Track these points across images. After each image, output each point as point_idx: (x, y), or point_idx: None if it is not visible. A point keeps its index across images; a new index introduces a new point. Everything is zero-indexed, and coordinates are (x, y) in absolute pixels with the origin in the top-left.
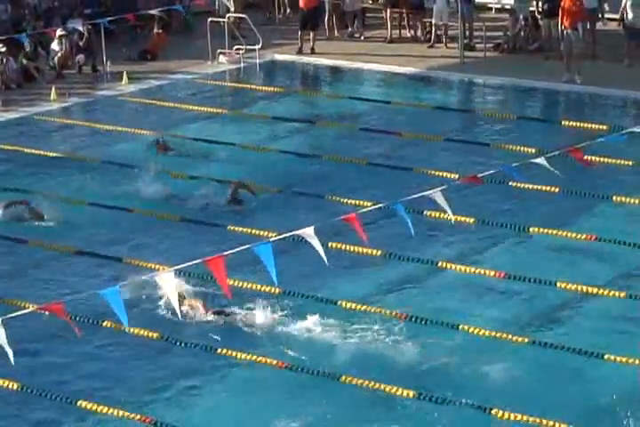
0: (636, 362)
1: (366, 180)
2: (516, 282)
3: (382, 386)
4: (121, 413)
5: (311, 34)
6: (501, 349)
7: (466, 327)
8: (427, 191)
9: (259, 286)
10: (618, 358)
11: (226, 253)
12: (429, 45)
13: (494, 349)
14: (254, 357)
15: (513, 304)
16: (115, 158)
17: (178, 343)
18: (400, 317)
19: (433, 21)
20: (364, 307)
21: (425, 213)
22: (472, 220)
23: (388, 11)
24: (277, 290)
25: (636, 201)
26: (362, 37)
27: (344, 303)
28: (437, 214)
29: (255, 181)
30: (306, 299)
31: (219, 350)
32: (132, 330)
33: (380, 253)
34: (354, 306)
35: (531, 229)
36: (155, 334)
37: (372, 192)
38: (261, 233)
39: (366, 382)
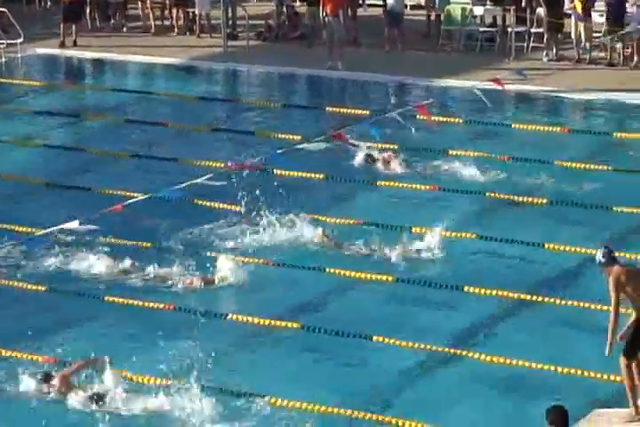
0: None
1: (132, 172)
2: (283, 268)
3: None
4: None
5: (73, 27)
6: None
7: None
8: (194, 180)
9: None
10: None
11: None
12: (196, 35)
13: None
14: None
15: (282, 291)
16: None
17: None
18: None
19: (196, 11)
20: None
21: (195, 201)
22: (239, 208)
23: (148, 1)
24: None
25: (400, 185)
26: (125, 29)
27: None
28: (207, 204)
29: (20, 175)
30: None
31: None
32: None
33: (149, 244)
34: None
35: (300, 216)
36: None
37: (138, 183)
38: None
39: None
